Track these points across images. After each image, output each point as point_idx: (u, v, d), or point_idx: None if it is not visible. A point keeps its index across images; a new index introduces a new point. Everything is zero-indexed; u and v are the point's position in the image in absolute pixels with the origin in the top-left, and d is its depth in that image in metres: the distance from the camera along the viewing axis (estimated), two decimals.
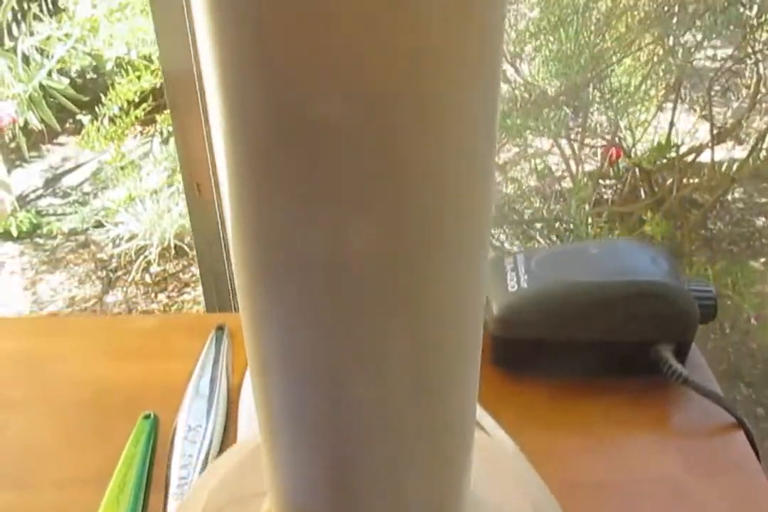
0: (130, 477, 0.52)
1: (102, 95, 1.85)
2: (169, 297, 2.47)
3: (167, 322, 0.68)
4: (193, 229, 0.84)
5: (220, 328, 0.65)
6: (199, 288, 2.25)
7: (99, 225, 2.55)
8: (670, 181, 2.10)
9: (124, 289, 2.48)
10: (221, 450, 0.55)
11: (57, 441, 0.56)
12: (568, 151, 2.24)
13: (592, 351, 0.59)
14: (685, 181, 2.17)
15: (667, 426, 0.57)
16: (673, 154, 1.97)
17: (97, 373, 0.61)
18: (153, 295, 2.48)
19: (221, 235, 0.82)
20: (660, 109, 2.23)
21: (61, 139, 3.01)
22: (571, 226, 1.98)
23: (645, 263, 0.59)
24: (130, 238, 2.46)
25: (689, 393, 0.58)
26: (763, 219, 2.69)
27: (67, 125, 2.93)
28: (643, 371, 0.59)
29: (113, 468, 0.53)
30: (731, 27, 1.66)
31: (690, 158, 2.14)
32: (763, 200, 2.74)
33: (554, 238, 2.23)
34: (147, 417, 0.57)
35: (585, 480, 0.53)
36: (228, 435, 0.56)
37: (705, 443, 0.56)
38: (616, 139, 2.22)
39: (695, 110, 2.45)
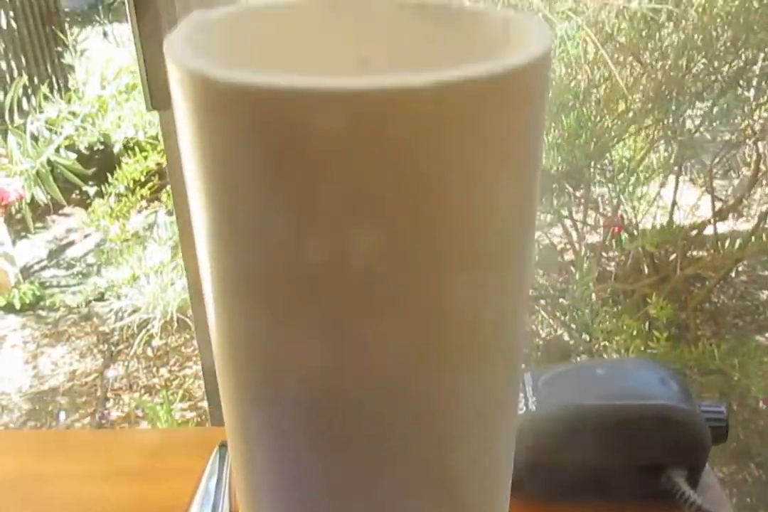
0: None
1: (108, 173, 1.87)
2: (170, 371, 2.45)
3: (169, 438, 0.67)
4: (193, 308, 0.84)
5: (224, 445, 0.63)
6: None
7: (101, 298, 2.55)
8: (673, 256, 2.10)
9: (126, 363, 2.47)
10: None
11: None
12: (570, 224, 2.25)
13: (601, 476, 0.58)
14: (688, 254, 2.18)
15: None
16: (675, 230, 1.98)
17: (97, 495, 0.60)
18: (155, 369, 2.46)
19: None
20: (662, 185, 2.26)
21: (66, 210, 3.04)
22: (575, 306, 1.98)
23: (655, 385, 0.59)
24: (133, 312, 2.46)
25: None
26: (767, 292, 2.69)
27: (73, 196, 2.96)
28: (655, 496, 0.58)
29: None
30: (731, 110, 1.69)
31: (693, 233, 2.15)
32: (767, 273, 2.75)
33: (558, 314, 2.23)
34: None
35: None
36: None
37: None
38: (619, 212, 2.23)
39: (697, 184, 2.47)
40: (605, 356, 2.04)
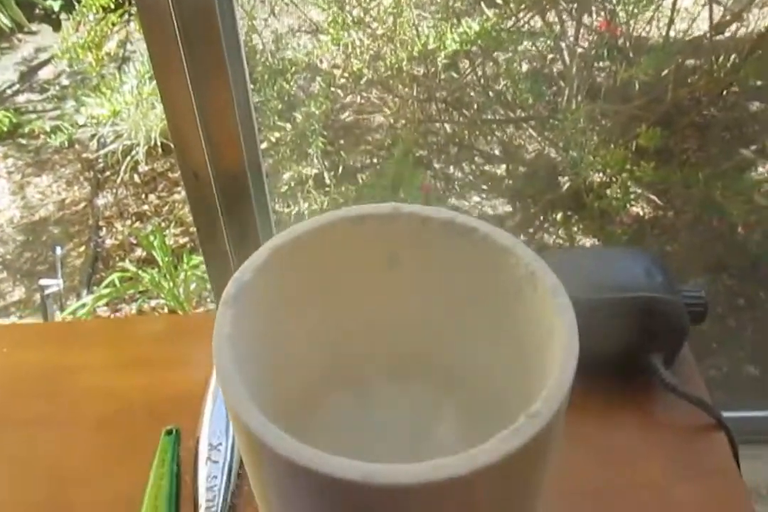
0: (161, 500, 0.56)
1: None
2: (159, 197, 2.47)
3: (175, 325, 0.70)
4: (193, 213, 0.84)
5: None
6: None
7: (83, 124, 2.50)
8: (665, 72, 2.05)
9: (114, 191, 2.47)
10: (242, 465, 0.59)
11: (86, 460, 0.59)
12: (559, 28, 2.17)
13: (588, 359, 0.62)
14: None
15: (654, 431, 0.61)
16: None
17: (116, 384, 0.64)
18: (143, 196, 2.47)
19: (219, 211, 0.83)
20: None
21: (33, 27, 2.88)
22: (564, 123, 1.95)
23: (639, 276, 0.61)
24: (116, 138, 2.42)
25: (678, 399, 0.62)
26: (758, 103, 2.65)
27: (36, 11, 2.80)
28: (634, 375, 0.62)
29: (141, 488, 0.57)
30: None
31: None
32: (759, 83, 2.69)
33: (547, 133, 2.21)
34: (169, 432, 0.61)
35: (578, 488, 0.58)
36: None
37: (688, 448, 0.60)
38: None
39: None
40: (592, 174, 2.05)
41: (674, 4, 1.92)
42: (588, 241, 2.15)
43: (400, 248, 0.20)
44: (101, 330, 0.69)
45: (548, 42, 2.26)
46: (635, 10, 2.06)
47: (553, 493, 0.52)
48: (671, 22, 1.94)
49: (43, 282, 1.93)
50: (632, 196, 1.82)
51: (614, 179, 1.82)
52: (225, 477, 0.57)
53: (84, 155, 2.54)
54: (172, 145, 0.84)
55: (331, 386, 0.22)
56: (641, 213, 2.16)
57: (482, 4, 1.85)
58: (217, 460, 0.58)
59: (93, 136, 2.46)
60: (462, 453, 0.15)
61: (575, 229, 2.14)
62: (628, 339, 0.61)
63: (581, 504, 0.57)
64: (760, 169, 2.25)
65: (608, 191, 1.86)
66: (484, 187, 2.35)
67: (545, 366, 0.19)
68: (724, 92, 2.30)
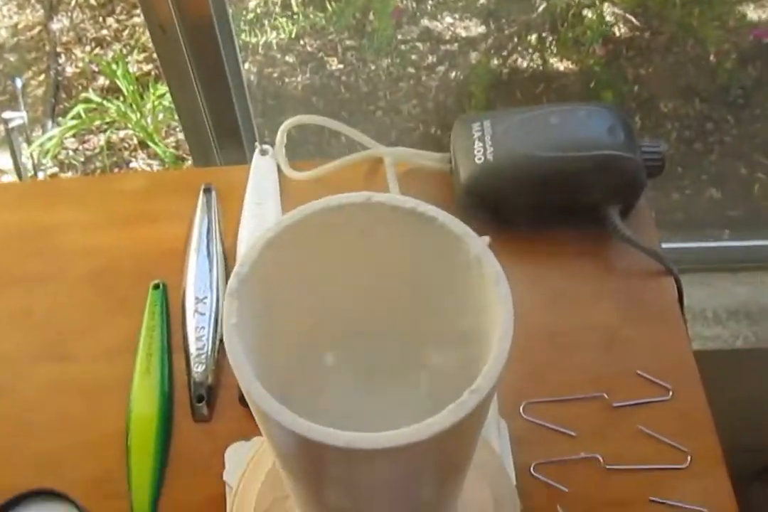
0: (154, 349, 0.61)
1: None
2: (118, 21, 2.36)
3: (155, 181, 0.72)
4: (162, 66, 0.83)
5: (208, 190, 0.69)
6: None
7: None
8: None
9: (69, 14, 2.36)
10: None
11: (80, 315, 0.64)
12: None
13: (547, 212, 0.66)
14: None
15: (607, 278, 0.66)
16: None
17: (101, 241, 0.67)
18: (101, 20, 2.37)
19: (191, 69, 0.81)
20: None
21: None
22: None
23: (602, 134, 0.63)
24: None
25: (630, 247, 0.66)
26: None
27: None
28: (592, 226, 0.67)
29: (135, 338, 0.62)
30: None
31: None
32: None
33: None
34: (156, 287, 0.65)
35: (531, 331, 0.63)
36: None
37: (638, 293, 0.65)
38: None
39: None
40: None
41: None
42: (562, 65, 2.12)
43: (372, 226, 0.23)
44: (82, 189, 0.71)
45: None
46: None
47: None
48: None
49: (6, 114, 1.89)
50: (608, 25, 1.78)
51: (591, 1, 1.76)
52: (212, 328, 0.62)
53: None
54: None
55: (321, 348, 0.26)
56: (617, 33, 2.12)
57: None
58: (203, 312, 0.63)
59: None
60: (418, 424, 0.19)
61: (549, 52, 2.10)
62: (588, 193, 0.65)
63: (533, 346, 0.62)
64: None
65: (583, 16, 1.81)
66: (458, 6, 2.27)
67: (488, 344, 0.22)
68: None
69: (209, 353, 0.61)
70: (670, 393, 0.60)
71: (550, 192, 0.64)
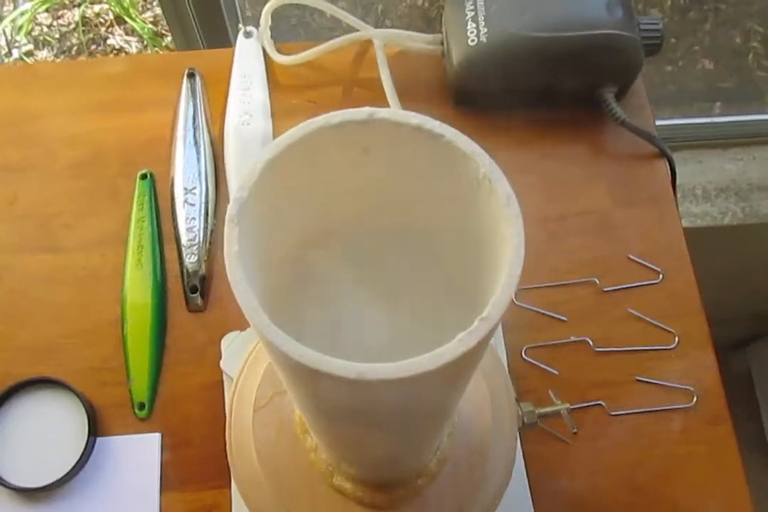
0: (145, 240, 0.61)
1: None
2: None
3: (137, 66, 0.69)
4: None
5: (192, 75, 0.67)
6: None
7: None
8: None
9: None
10: (217, 206, 0.63)
11: (68, 205, 0.63)
12: None
13: (541, 95, 0.64)
14: None
15: (600, 162, 0.65)
16: None
17: (84, 129, 0.65)
18: None
19: None
20: None
21: None
22: None
23: (599, 11, 0.61)
24: None
25: (625, 130, 0.65)
26: None
27: None
28: (587, 108, 0.65)
29: (125, 228, 0.61)
30: None
31: None
32: None
33: None
34: (144, 176, 0.64)
35: (526, 215, 0.63)
36: (220, 190, 0.63)
37: (632, 177, 0.65)
38: None
39: None
40: None
41: None
42: None
43: (373, 145, 0.22)
44: (61, 74, 0.68)
45: None
46: None
47: None
48: None
49: None
50: None
51: None
52: (203, 219, 0.62)
53: None
54: None
55: (325, 272, 0.25)
56: None
57: None
58: (193, 203, 0.62)
59: None
60: (430, 354, 0.19)
61: None
62: (585, 75, 0.63)
63: (525, 231, 0.62)
64: None
65: None
66: None
67: (497, 267, 0.22)
68: None
69: (201, 244, 0.61)
70: (660, 276, 0.61)
71: (545, 74, 0.62)
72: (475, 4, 0.62)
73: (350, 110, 0.21)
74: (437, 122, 0.21)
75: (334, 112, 0.21)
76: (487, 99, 0.65)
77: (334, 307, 0.27)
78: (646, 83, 0.68)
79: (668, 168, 0.65)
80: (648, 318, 0.60)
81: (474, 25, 0.61)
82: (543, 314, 0.60)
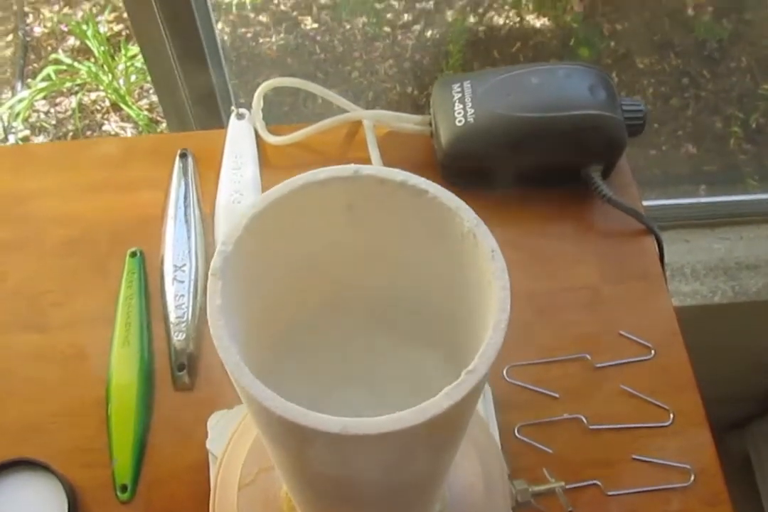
0: (133, 318, 0.61)
1: None
2: None
3: (130, 147, 0.70)
4: (133, 25, 0.80)
5: (184, 155, 0.68)
6: None
7: None
8: None
9: None
10: (206, 284, 0.63)
11: (57, 282, 0.63)
12: None
13: (528, 173, 0.65)
14: None
15: (588, 238, 0.66)
16: None
17: (76, 209, 0.66)
18: None
19: (162, 27, 0.79)
20: None
21: None
22: None
23: (583, 93, 0.63)
24: None
25: (612, 207, 0.66)
26: None
27: None
28: (573, 187, 0.66)
29: (113, 306, 0.61)
30: None
31: None
32: None
33: None
34: (133, 254, 0.64)
35: (515, 291, 0.63)
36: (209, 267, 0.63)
37: (620, 253, 0.65)
38: None
39: None
40: None
41: None
42: (538, 22, 2.10)
43: (358, 202, 0.22)
44: (54, 155, 0.69)
45: None
46: None
47: None
48: None
49: None
50: None
51: None
52: (192, 296, 0.61)
53: None
54: None
55: (308, 330, 0.25)
56: None
57: None
58: (182, 280, 0.62)
59: None
60: (415, 408, 0.19)
61: (525, 9, 2.08)
62: (570, 154, 0.64)
63: (515, 307, 0.62)
64: None
65: None
66: None
67: (484, 318, 0.22)
68: None
69: (189, 321, 0.60)
70: (652, 352, 0.61)
71: (532, 153, 0.64)
72: (462, 86, 0.64)
73: (336, 167, 0.21)
74: (422, 178, 0.21)
75: (320, 168, 0.21)
76: (475, 177, 0.65)
77: (318, 369, 0.26)
78: (631, 164, 0.69)
79: (656, 244, 0.65)
80: (642, 395, 0.59)
81: (461, 106, 0.63)
82: (535, 391, 0.59)
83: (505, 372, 0.60)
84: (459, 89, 0.64)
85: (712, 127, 1.91)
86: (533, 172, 0.65)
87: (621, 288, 0.64)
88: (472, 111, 0.62)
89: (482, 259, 0.22)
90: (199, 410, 0.56)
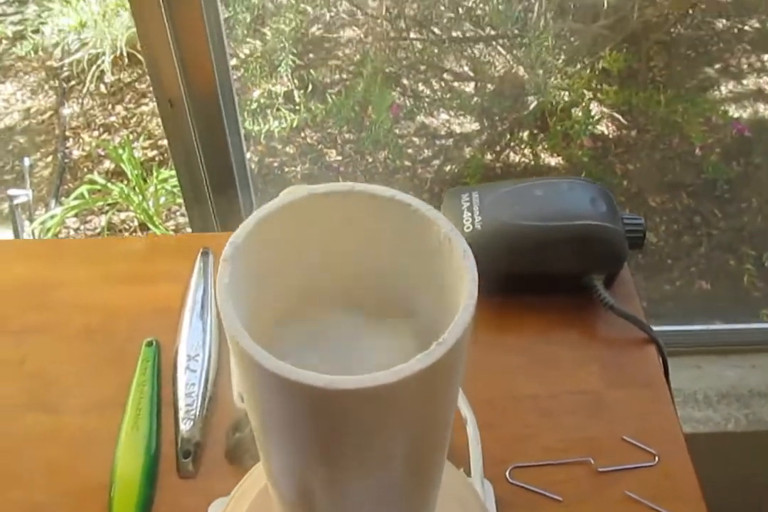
0: (143, 404, 0.62)
1: None
2: (126, 109, 2.45)
3: (154, 245, 0.74)
4: (170, 144, 0.87)
5: (205, 253, 0.71)
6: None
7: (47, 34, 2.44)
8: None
9: (80, 100, 2.45)
10: (218, 375, 0.64)
11: (74, 368, 0.65)
12: None
13: (534, 280, 0.68)
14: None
15: (592, 345, 0.68)
16: None
17: (99, 298, 0.69)
18: (110, 107, 2.45)
19: (197, 147, 0.85)
20: None
21: None
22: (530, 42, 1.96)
23: (585, 205, 0.66)
24: (81, 46, 2.38)
25: (614, 315, 0.68)
26: (723, 21, 2.66)
27: None
28: (577, 294, 0.68)
29: (125, 393, 0.63)
30: None
31: None
32: None
33: (515, 51, 2.21)
34: (150, 344, 0.66)
35: (518, 392, 0.64)
36: (222, 359, 0.65)
37: (623, 360, 0.67)
38: None
39: None
40: (557, 95, 2.08)
41: None
42: (553, 160, 2.19)
43: (355, 213, 0.26)
44: (84, 249, 0.73)
45: None
46: None
47: (496, 396, 0.59)
48: None
49: (11, 192, 1.94)
50: (595, 119, 1.86)
51: (579, 100, 1.85)
52: (202, 385, 0.63)
53: (48, 63, 2.49)
54: (139, 56, 0.85)
55: (304, 309, 0.28)
56: (605, 131, 2.20)
57: None
58: (195, 369, 0.64)
59: (57, 43, 2.42)
60: (390, 370, 0.22)
61: (540, 147, 2.18)
62: (573, 262, 0.67)
63: (519, 411, 0.63)
64: (723, 88, 2.29)
65: (572, 113, 1.89)
66: (453, 104, 2.36)
67: (455, 306, 0.25)
68: (691, 10, 2.30)
69: (198, 410, 0.61)
70: (656, 458, 0.61)
71: (536, 260, 0.67)
72: (470, 196, 0.68)
73: (334, 184, 0.25)
74: (407, 195, 0.25)
75: (318, 184, 0.25)
76: (480, 283, 0.68)
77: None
78: (643, 297, 0.71)
79: (658, 352, 0.67)
80: (646, 501, 0.59)
81: (469, 213, 0.66)
82: (538, 493, 0.59)
83: (508, 473, 0.60)
84: (468, 198, 0.68)
85: (725, 265, 1.94)
86: (537, 279, 0.68)
87: (624, 394, 0.64)
88: (480, 218, 0.66)
89: (456, 258, 0.25)
90: (201, 497, 0.56)
